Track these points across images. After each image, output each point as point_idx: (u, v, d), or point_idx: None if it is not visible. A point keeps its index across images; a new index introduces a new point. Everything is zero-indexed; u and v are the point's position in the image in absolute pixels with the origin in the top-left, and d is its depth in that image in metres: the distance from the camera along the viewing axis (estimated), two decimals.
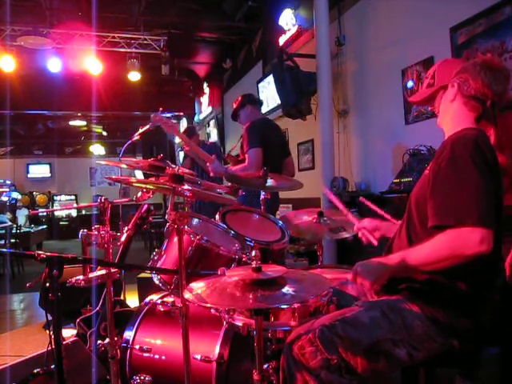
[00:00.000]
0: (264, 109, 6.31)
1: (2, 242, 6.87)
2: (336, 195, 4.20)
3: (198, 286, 1.30)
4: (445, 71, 1.50)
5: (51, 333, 1.22)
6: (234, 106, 3.41)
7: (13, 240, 6.98)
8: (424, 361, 1.34)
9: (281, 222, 2.18)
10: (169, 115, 11.37)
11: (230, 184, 2.99)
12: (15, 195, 11.53)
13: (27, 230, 8.09)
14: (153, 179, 1.84)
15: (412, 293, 1.35)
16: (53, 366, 1.24)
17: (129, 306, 2.97)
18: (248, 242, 1.84)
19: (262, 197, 2.40)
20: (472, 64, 1.43)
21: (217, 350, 1.66)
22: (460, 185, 1.23)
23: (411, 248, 1.32)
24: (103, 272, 1.69)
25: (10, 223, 7.41)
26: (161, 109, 3.05)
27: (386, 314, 1.32)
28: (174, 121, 3.13)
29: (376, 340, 1.28)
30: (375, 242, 1.69)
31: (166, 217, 1.50)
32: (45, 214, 12.66)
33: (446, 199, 1.24)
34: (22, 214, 9.62)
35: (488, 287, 1.32)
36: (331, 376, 1.24)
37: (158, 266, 1.82)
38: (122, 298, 3.30)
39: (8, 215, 8.25)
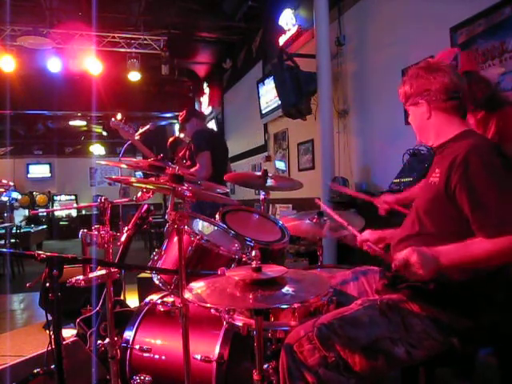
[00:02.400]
0: (264, 109, 6.32)
1: (2, 242, 6.87)
2: (336, 200, 4.22)
3: (198, 286, 1.30)
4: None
5: (51, 333, 1.22)
6: (180, 119, 3.72)
7: (13, 240, 6.97)
8: (424, 360, 1.34)
9: (281, 221, 2.18)
10: (169, 115, 11.41)
11: None
12: (15, 195, 11.53)
13: (27, 229, 8.08)
14: (153, 179, 1.85)
15: (413, 292, 1.35)
16: (53, 366, 1.24)
17: (129, 306, 2.97)
18: (248, 242, 1.84)
19: (261, 197, 2.40)
20: (415, 75, 1.49)
21: (217, 350, 1.66)
22: (507, 192, 1.23)
23: (463, 243, 1.25)
24: (103, 272, 1.69)
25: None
26: (119, 116, 3.22)
27: (385, 312, 1.32)
28: (134, 127, 3.35)
29: (374, 338, 1.28)
30: (382, 252, 1.61)
31: (166, 217, 1.50)
32: (45, 214, 12.65)
33: (498, 210, 1.22)
34: (20, 214, 9.55)
35: (489, 287, 1.32)
36: (329, 373, 1.25)
37: (157, 265, 1.82)
38: (122, 297, 3.30)
39: None
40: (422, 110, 1.46)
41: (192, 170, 3.33)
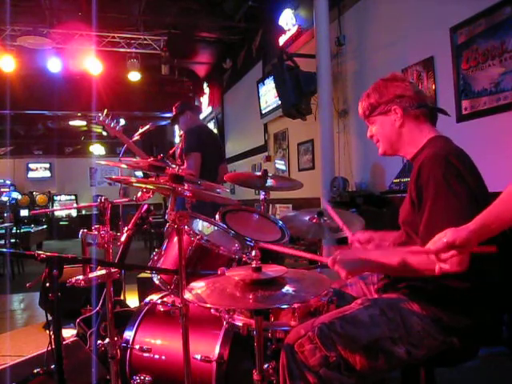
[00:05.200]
0: (264, 109, 6.32)
1: (2, 242, 6.87)
2: (336, 200, 4.21)
3: (198, 286, 1.30)
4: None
5: (51, 333, 1.22)
6: (174, 111, 3.56)
7: (13, 240, 6.97)
8: (424, 359, 1.34)
9: (281, 221, 2.18)
10: (169, 115, 11.41)
11: None
12: (15, 195, 11.53)
13: (27, 229, 8.09)
14: (153, 179, 1.84)
15: (412, 291, 1.35)
16: (53, 366, 1.24)
17: (129, 306, 2.97)
18: (248, 242, 1.84)
19: (261, 197, 2.40)
20: (382, 85, 1.48)
21: (217, 349, 1.66)
22: (437, 209, 1.25)
23: (396, 248, 1.33)
24: (103, 272, 1.69)
25: None
26: (105, 111, 3.19)
27: (385, 312, 1.33)
28: (121, 123, 3.25)
29: (375, 338, 1.28)
30: None
31: (166, 217, 1.50)
32: (45, 214, 12.65)
33: (428, 223, 1.26)
34: None
35: (489, 286, 1.32)
36: (330, 373, 1.25)
37: (157, 266, 1.82)
38: (122, 298, 3.30)
39: None
40: (394, 118, 1.46)
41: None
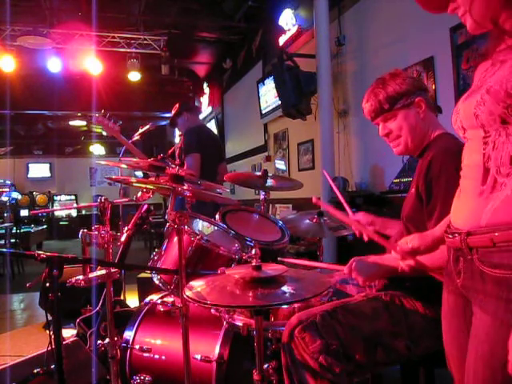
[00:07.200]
0: (264, 109, 6.32)
1: (2, 242, 6.87)
2: (336, 200, 4.21)
3: (198, 285, 1.30)
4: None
5: (51, 333, 1.22)
6: (172, 113, 3.56)
7: (13, 240, 6.97)
8: (423, 356, 1.35)
9: (281, 221, 2.18)
10: (169, 115, 11.40)
11: None
12: (15, 195, 11.53)
13: (27, 229, 8.09)
14: (153, 179, 1.85)
15: (415, 289, 1.36)
16: (53, 366, 1.24)
17: (129, 306, 2.97)
18: (248, 242, 1.84)
19: (261, 197, 2.40)
20: (395, 77, 1.48)
21: (217, 350, 1.66)
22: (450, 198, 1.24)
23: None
24: (103, 272, 1.69)
25: None
26: (103, 111, 3.19)
27: (388, 306, 1.34)
28: (119, 123, 3.24)
29: (376, 330, 1.30)
30: (366, 238, 1.67)
31: (166, 217, 1.50)
32: (45, 214, 12.65)
33: (440, 218, 1.23)
34: None
35: None
36: (330, 359, 1.26)
37: (157, 265, 1.82)
38: (122, 298, 3.30)
39: None
40: (418, 111, 1.42)
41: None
